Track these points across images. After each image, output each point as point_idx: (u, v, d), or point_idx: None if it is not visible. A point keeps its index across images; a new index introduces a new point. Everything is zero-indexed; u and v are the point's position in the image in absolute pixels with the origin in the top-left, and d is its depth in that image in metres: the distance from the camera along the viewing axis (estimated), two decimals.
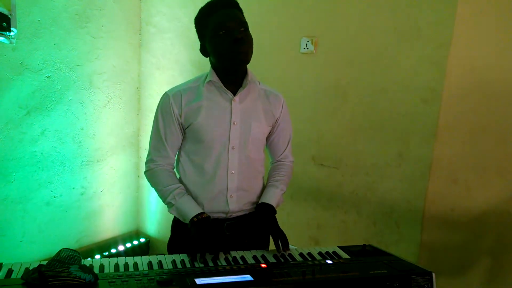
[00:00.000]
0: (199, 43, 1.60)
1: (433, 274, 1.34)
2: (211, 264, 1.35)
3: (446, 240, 2.15)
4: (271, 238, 1.61)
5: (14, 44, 2.58)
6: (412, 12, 2.12)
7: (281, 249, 1.50)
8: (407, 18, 2.13)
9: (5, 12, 2.49)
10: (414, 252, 2.20)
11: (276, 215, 1.65)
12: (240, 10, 1.55)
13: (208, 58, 1.60)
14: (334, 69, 2.40)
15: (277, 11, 2.54)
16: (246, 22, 1.52)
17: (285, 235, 1.54)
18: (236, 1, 1.55)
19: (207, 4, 1.53)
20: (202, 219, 1.50)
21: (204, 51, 1.58)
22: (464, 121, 2.05)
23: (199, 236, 1.44)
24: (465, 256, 2.11)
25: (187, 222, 1.53)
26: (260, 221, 1.58)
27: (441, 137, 2.10)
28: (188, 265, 1.34)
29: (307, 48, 2.45)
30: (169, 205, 1.59)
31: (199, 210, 1.53)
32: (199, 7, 1.56)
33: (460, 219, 2.10)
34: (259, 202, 1.65)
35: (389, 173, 2.26)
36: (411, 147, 2.18)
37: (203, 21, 1.53)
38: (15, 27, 2.55)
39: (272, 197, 1.65)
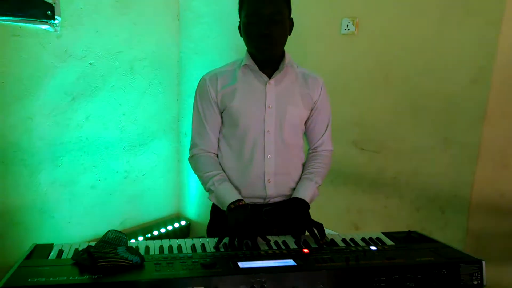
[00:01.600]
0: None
1: (483, 262, 1.29)
2: (249, 245, 1.35)
3: (495, 227, 2.06)
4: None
5: (58, 32, 2.65)
6: None
7: (319, 238, 1.44)
8: None
9: (49, 0, 2.56)
10: (460, 240, 2.13)
11: (315, 201, 1.63)
12: (287, 2, 1.50)
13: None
14: (376, 51, 2.32)
15: None
16: (285, 11, 1.48)
17: (321, 225, 1.47)
18: None
19: None
20: (239, 206, 1.49)
21: (239, 29, 1.57)
22: None
23: (236, 223, 1.42)
24: None
25: (225, 209, 1.52)
26: (292, 218, 1.52)
27: (490, 120, 1.99)
28: (230, 249, 1.34)
29: (348, 29, 2.38)
30: (209, 191, 1.60)
31: (238, 197, 1.52)
32: None
33: (509, 206, 2.01)
34: (292, 196, 1.60)
35: (434, 158, 2.18)
36: (458, 131, 2.09)
37: (241, 0, 1.53)
38: (59, 15, 2.62)
39: (305, 191, 1.60)
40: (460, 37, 2.03)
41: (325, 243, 1.42)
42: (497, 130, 1.99)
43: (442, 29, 2.08)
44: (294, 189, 1.66)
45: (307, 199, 1.58)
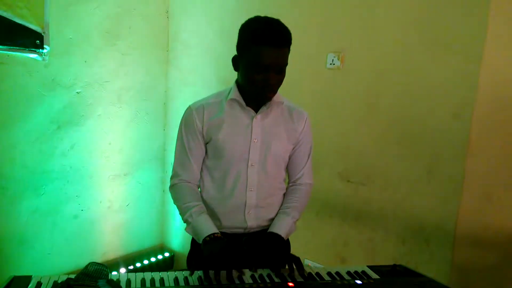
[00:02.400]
0: (234, 53, 1.54)
1: None
2: (237, 281, 1.33)
3: (479, 260, 2.07)
4: None
5: (46, 61, 2.66)
6: (441, 24, 2.08)
7: (296, 272, 1.42)
8: (436, 31, 2.09)
9: (39, 30, 2.58)
10: (445, 273, 2.12)
11: (301, 233, 1.62)
12: (289, 46, 1.49)
13: (235, 72, 1.59)
14: (361, 84, 2.38)
15: (303, 26, 2.54)
16: (287, 61, 1.49)
17: (298, 258, 1.46)
18: (291, 39, 1.48)
19: (264, 26, 1.44)
20: (214, 238, 1.47)
21: (235, 64, 1.54)
22: (497, 136, 1.98)
23: (210, 255, 1.40)
24: (499, 278, 2.03)
25: (200, 242, 1.50)
26: (268, 252, 1.51)
27: (473, 153, 2.03)
28: (214, 282, 1.32)
29: (334, 64, 2.44)
30: (186, 222, 1.58)
31: (214, 230, 1.50)
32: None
33: (494, 239, 2.02)
34: (268, 231, 1.59)
35: (419, 190, 2.20)
36: (442, 163, 2.12)
37: (249, 41, 1.45)
38: (48, 45, 2.64)
39: (281, 226, 1.59)
40: (442, 72, 2.09)
41: (303, 276, 1.41)
42: (480, 163, 2.02)
43: (425, 65, 2.14)
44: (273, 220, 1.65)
45: (282, 234, 1.57)
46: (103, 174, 3.11)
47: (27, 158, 2.69)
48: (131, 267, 3.23)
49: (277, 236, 1.56)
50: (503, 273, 2.02)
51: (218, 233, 1.50)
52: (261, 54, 1.42)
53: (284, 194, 1.72)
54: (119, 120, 3.14)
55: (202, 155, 1.63)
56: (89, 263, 1.27)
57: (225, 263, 1.36)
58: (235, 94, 1.56)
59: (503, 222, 1.99)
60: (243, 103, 1.56)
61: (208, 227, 1.51)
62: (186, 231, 1.59)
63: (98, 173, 3.08)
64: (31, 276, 1.28)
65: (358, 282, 1.36)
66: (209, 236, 1.48)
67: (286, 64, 1.48)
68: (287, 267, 1.45)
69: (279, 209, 1.67)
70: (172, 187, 1.66)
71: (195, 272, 1.38)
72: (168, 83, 3.43)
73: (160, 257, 3.44)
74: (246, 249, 1.61)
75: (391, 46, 2.26)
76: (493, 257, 2.04)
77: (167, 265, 3.47)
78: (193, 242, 1.70)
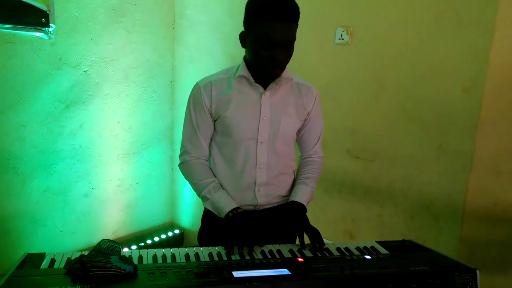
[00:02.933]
0: (241, 30, 1.52)
1: (477, 271, 1.29)
2: (247, 257, 1.35)
3: (488, 235, 2.07)
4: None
5: (53, 40, 2.64)
6: None
7: (316, 245, 1.47)
8: (447, 4, 2.05)
9: (44, 8, 2.55)
10: (453, 248, 2.13)
11: (310, 209, 1.63)
12: (297, 21, 1.46)
13: (243, 48, 1.57)
14: (371, 60, 2.34)
15: (311, 0, 2.49)
16: (295, 37, 1.46)
17: (318, 231, 1.52)
18: (299, 13, 1.44)
19: (271, 1, 1.39)
20: (237, 214, 1.50)
21: (243, 40, 1.52)
22: (508, 112, 1.95)
23: (235, 231, 1.43)
24: (508, 253, 2.03)
25: (222, 216, 1.53)
26: (291, 220, 1.56)
27: (483, 129, 2.01)
28: (224, 258, 1.34)
29: (342, 39, 2.40)
30: (204, 199, 1.60)
31: (235, 205, 1.53)
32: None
33: (503, 214, 2.02)
34: (289, 200, 1.62)
35: (428, 166, 2.19)
36: (451, 139, 2.10)
37: (256, 16, 1.42)
38: (54, 23, 2.62)
39: (302, 195, 1.62)
40: (453, 47, 2.05)
41: (319, 250, 1.43)
42: (489, 138, 2.00)
43: (436, 39, 2.10)
44: (284, 197, 1.68)
45: (304, 202, 1.60)
46: (112, 153, 3.13)
47: (37, 138, 2.70)
48: (141, 244, 3.28)
49: (299, 204, 1.59)
50: (511, 248, 2.03)
51: (239, 208, 1.53)
52: (267, 29, 1.39)
53: (294, 172, 1.74)
54: (127, 98, 3.13)
55: (211, 132, 1.63)
56: (101, 240, 1.28)
57: (251, 237, 1.40)
58: (244, 70, 1.54)
59: None
60: (252, 80, 1.54)
61: (229, 203, 1.54)
62: (205, 206, 1.61)
63: (107, 152, 3.10)
64: (44, 253, 1.31)
65: (368, 257, 1.36)
66: (231, 211, 1.50)
67: (294, 39, 1.45)
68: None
69: (297, 180, 1.69)
70: (182, 164, 1.66)
71: (206, 248, 1.40)
72: (175, 61, 3.40)
73: (170, 234, 3.49)
74: (256, 226, 1.63)
75: (401, 21, 2.21)
76: (501, 232, 2.04)
77: (177, 242, 3.52)
78: (204, 219, 1.72)
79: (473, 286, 1.28)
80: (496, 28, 1.91)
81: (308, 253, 1.42)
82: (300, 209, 1.58)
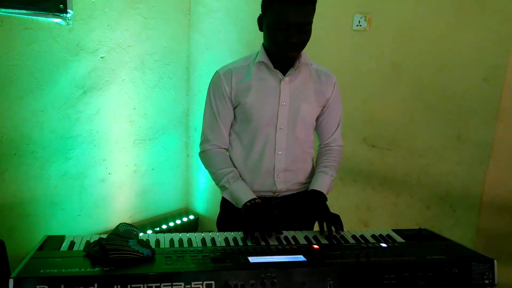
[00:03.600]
0: (259, 13, 1.52)
1: (495, 261, 1.28)
2: (263, 243, 1.35)
3: (505, 226, 2.05)
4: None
5: (70, 26, 2.66)
6: None
7: (333, 228, 1.47)
8: None
9: None
10: (470, 238, 2.11)
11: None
12: (315, 4, 1.45)
13: (260, 34, 1.56)
14: (389, 47, 2.31)
15: None
16: (312, 21, 1.45)
17: (338, 216, 1.52)
18: None
19: None
20: (255, 204, 1.51)
21: (260, 23, 1.52)
22: None
23: (252, 221, 1.44)
24: None
25: (240, 206, 1.54)
26: (311, 209, 1.56)
27: (503, 119, 1.97)
28: (240, 243, 1.35)
29: (360, 25, 2.36)
30: (222, 188, 1.61)
31: (253, 195, 1.54)
32: None
33: None
34: (309, 189, 1.62)
35: (446, 156, 2.16)
36: (470, 129, 2.07)
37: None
38: (71, 9, 2.63)
39: (322, 184, 1.62)
40: (474, 35, 2.00)
41: (335, 238, 1.44)
42: (509, 129, 1.97)
43: (456, 27, 2.06)
44: (303, 184, 1.68)
45: (324, 191, 1.60)
46: (129, 139, 3.16)
47: (55, 123, 2.74)
48: (157, 229, 3.32)
49: (319, 193, 1.59)
50: None
51: (257, 198, 1.54)
52: (281, 11, 1.39)
53: (313, 159, 1.73)
54: (143, 85, 3.15)
55: (231, 120, 1.64)
56: (119, 224, 1.30)
57: (266, 227, 1.40)
58: (263, 56, 1.54)
59: None
60: (271, 65, 1.53)
61: (247, 193, 1.55)
62: (223, 196, 1.63)
63: (124, 137, 3.13)
64: (64, 236, 1.33)
65: (383, 245, 1.36)
66: (249, 201, 1.51)
67: (310, 23, 1.45)
68: (325, 227, 1.48)
69: (316, 169, 1.69)
70: (202, 153, 1.67)
71: (222, 233, 1.42)
72: (191, 47, 3.40)
73: (185, 219, 3.53)
74: (276, 213, 1.63)
75: (421, 7, 2.17)
76: None
77: (192, 227, 3.56)
78: (223, 205, 1.73)
79: (490, 276, 1.27)
80: None
81: (323, 240, 1.42)
82: (320, 197, 1.58)
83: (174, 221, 3.46)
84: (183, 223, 3.50)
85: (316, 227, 1.59)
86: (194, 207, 3.66)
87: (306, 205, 1.58)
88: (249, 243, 1.35)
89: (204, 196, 3.56)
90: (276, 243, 1.37)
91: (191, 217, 3.57)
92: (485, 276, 1.27)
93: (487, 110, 2.00)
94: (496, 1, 1.92)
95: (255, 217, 1.45)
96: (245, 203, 1.51)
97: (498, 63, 1.95)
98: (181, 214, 3.60)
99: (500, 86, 1.96)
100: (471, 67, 2.03)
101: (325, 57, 2.50)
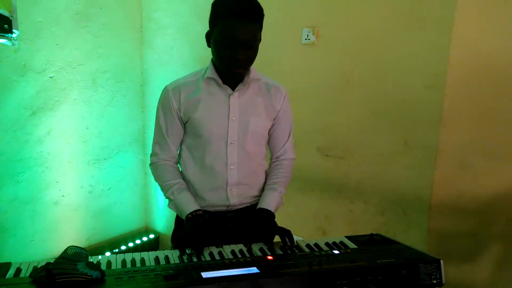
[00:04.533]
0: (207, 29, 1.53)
1: (441, 261, 1.33)
2: (214, 254, 1.35)
3: (455, 227, 2.14)
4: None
5: (16, 46, 2.58)
6: None
7: (287, 242, 1.47)
8: (408, 4, 2.10)
9: (6, 14, 2.49)
10: (423, 240, 2.19)
11: (283, 208, 1.65)
12: (261, 22, 1.48)
13: (209, 49, 1.58)
14: (337, 59, 2.38)
15: (277, 1, 2.52)
16: (258, 38, 1.48)
17: (289, 231, 1.51)
18: (263, 15, 1.47)
19: (235, 1, 1.42)
20: (196, 216, 1.52)
21: (208, 39, 1.53)
22: (470, 106, 2.02)
23: (191, 232, 1.44)
24: (474, 243, 2.10)
25: (184, 217, 1.54)
26: (259, 227, 1.55)
27: (446, 123, 2.07)
28: (195, 259, 1.34)
29: (309, 39, 2.43)
30: (169, 199, 1.61)
31: (196, 207, 1.54)
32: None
33: (468, 206, 2.08)
34: (257, 207, 1.62)
35: (396, 161, 2.24)
36: (417, 134, 2.16)
37: (218, 15, 1.44)
38: (17, 29, 2.55)
39: (270, 202, 1.62)
40: (414, 45, 2.11)
41: (291, 248, 1.45)
42: (453, 132, 2.07)
43: (398, 37, 2.16)
44: (257, 197, 1.68)
45: (272, 209, 1.60)
46: (83, 159, 3.08)
47: (3, 146, 2.63)
48: (116, 251, 3.24)
49: (267, 211, 1.59)
50: (477, 238, 2.09)
51: (200, 210, 1.54)
52: (229, 28, 1.40)
53: (266, 171, 1.74)
54: (95, 104, 3.09)
55: (180, 135, 1.64)
56: (68, 247, 1.27)
57: (205, 239, 1.40)
58: (211, 72, 1.55)
59: (477, 189, 2.05)
60: (220, 81, 1.55)
61: (190, 204, 1.55)
62: (169, 207, 1.62)
63: (77, 158, 3.04)
64: (10, 262, 1.28)
65: (336, 252, 1.39)
66: (191, 213, 1.52)
67: (256, 40, 1.47)
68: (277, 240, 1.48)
69: (266, 185, 1.69)
70: (151, 165, 1.68)
71: (177, 250, 1.40)
72: (144, 64, 3.38)
73: (145, 239, 3.46)
74: (230, 226, 1.63)
75: (365, 21, 2.26)
76: (468, 223, 2.11)
77: (152, 246, 3.49)
78: (177, 221, 1.72)
79: (438, 276, 1.32)
80: (454, 26, 1.97)
81: (278, 251, 1.44)
82: (268, 215, 1.58)
83: (133, 241, 3.38)
84: (143, 243, 3.43)
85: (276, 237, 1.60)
86: (154, 226, 3.60)
87: (254, 223, 1.57)
88: (203, 257, 1.35)
89: (164, 214, 3.50)
90: (230, 256, 1.37)
91: (151, 236, 3.51)
92: (433, 276, 1.32)
93: (431, 115, 2.10)
94: (433, 14, 2.03)
95: (195, 229, 1.46)
96: (187, 214, 1.52)
97: (438, 71, 2.05)
98: (141, 233, 3.52)
99: (441, 93, 2.05)
100: (413, 75, 2.12)
101: (276, 70, 2.54)
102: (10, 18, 2.51)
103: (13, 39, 2.55)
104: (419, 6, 2.07)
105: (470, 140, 2.04)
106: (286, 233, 1.49)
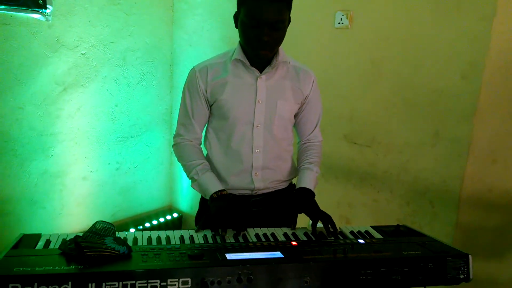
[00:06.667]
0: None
1: (470, 256, 1.30)
2: (233, 240, 1.35)
3: (483, 221, 2.09)
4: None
5: (50, 21, 2.62)
6: None
7: (330, 228, 1.47)
8: None
9: None
10: (449, 234, 2.14)
11: None
12: (289, 4, 1.45)
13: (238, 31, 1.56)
14: (369, 45, 2.32)
15: None
16: (286, 19, 1.44)
17: (330, 216, 1.51)
18: None
19: None
20: (221, 196, 1.51)
21: (236, 21, 1.52)
22: (506, 99, 1.95)
23: (217, 211, 1.45)
24: (502, 239, 2.05)
25: (208, 198, 1.54)
26: (302, 207, 1.55)
27: (480, 115, 2.01)
28: (219, 241, 1.35)
29: (342, 23, 2.38)
30: (192, 179, 1.61)
31: (220, 187, 1.54)
32: None
33: (498, 200, 2.03)
34: (297, 186, 1.62)
35: (424, 152, 2.19)
36: (448, 126, 2.10)
37: None
38: (51, 4, 2.59)
39: (309, 181, 1.62)
40: (452, 33, 2.03)
41: (335, 234, 1.44)
42: (487, 125, 2.00)
43: (434, 25, 2.08)
44: (282, 181, 1.68)
45: (311, 187, 1.61)
46: (111, 136, 3.13)
47: (35, 120, 2.70)
48: (140, 228, 3.30)
49: (308, 190, 1.59)
50: (506, 234, 2.04)
51: (224, 190, 1.53)
52: (253, 8, 1.39)
53: (292, 157, 1.73)
54: (125, 82, 3.12)
55: (205, 117, 1.63)
56: (96, 222, 1.29)
57: (232, 219, 1.40)
58: (239, 54, 1.53)
59: (508, 184, 1.99)
60: (247, 63, 1.53)
61: (214, 185, 1.54)
62: (192, 187, 1.62)
63: (106, 135, 3.10)
64: (40, 234, 1.31)
65: (361, 241, 1.37)
66: (216, 193, 1.51)
67: (283, 21, 1.44)
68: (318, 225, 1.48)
69: (301, 165, 1.68)
70: (175, 145, 1.68)
71: (202, 230, 1.41)
72: (174, 44, 3.38)
73: (168, 217, 3.51)
74: (254, 211, 1.63)
75: (401, 5, 2.19)
76: (496, 218, 2.06)
77: (175, 225, 3.54)
78: (201, 201, 1.73)
79: (465, 271, 1.30)
80: (496, 14, 1.89)
81: (302, 237, 1.43)
82: (309, 195, 1.58)
83: (157, 219, 3.44)
84: (166, 221, 3.48)
85: (299, 223, 1.60)
86: (178, 205, 3.65)
87: (295, 203, 1.57)
88: (227, 238, 1.35)
89: (188, 193, 3.55)
90: (254, 239, 1.37)
91: (175, 215, 3.56)
92: (460, 271, 1.29)
93: (464, 107, 2.03)
94: (472, 1, 1.95)
95: (220, 208, 1.46)
96: (212, 194, 1.51)
97: (475, 61, 1.97)
98: (164, 212, 3.58)
99: (478, 84, 1.98)
100: (449, 64, 2.06)
101: (306, 54, 2.51)
102: None
103: (47, 15, 2.59)
104: None
105: (504, 133, 1.97)
106: (328, 219, 1.48)
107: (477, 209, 2.08)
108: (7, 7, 2.42)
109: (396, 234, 1.51)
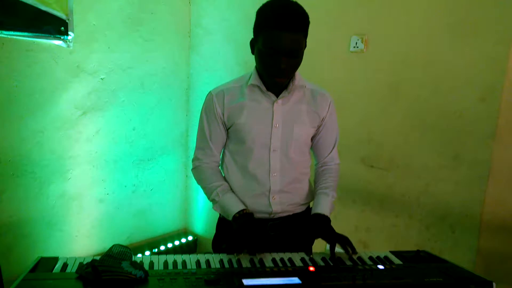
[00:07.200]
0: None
1: (494, 284, 1.26)
2: (258, 265, 1.34)
3: (505, 247, 2.02)
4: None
5: (71, 48, 2.69)
6: (469, 7, 2.01)
7: (351, 253, 1.46)
8: (463, 13, 2.03)
9: (63, 17, 2.61)
10: (470, 260, 2.09)
11: None
12: (306, 32, 1.45)
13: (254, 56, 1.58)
14: (385, 68, 2.32)
15: (326, 8, 2.49)
16: (303, 47, 1.45)
17: (347, 238, 1.50)
18: (307, 23, 1.45)
19: (277, 11, 1.40)
20: (244, 215, 1.51)
21: (252, 47, 1.53)
22: None
23: (240, 231, 1.44)
24: None
25: (230, 219, 1.53)
26: (318, 233, 1.54)
27: (501, 138, 1.97)
28: (235, 265, 1.33)
29: (357, 47, 2.39)
30: (213, 201, 1.61)
31: (242, 207, 1.54)
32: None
33: None
34: (312, 212, 1.60)
35: (444, 176, 2.16)
36: (468, 149, 2.07)
37: (261, 24, 1.43)
38: (72, 31, 2.67)
39: (325, 206, 1.60)
40: (470, 56, 2.02)
41: (332, 259, 1.42)
42: (507, 148, 1.97)
43: (452, 48, 2.08)
44: (300, 205, 1.67)
45: (327, 213, 1.59)
46: (128, 159, 3.16)
47: (54, 144, 2.75)
48: (155, 250, 3.29)
49: (323, 217, 1.57)
50: None
51: (246, 209, 1.54)
52: (271, 38, 1.39)
53: (310, 180, 1.73)
54: (142, 106, 3.17)
55: (223, 140, 1.64)
56: (113, 245, 1.29)
57: (254, 237, 1.40)
58: (255, 79, 1.54)
59: None
60: (264, 88, 1.54)
61: (236, 205, 1.55)
62: (214, 209, 1.62)
63: (123, 158, 3.13)
64: (57, 257, 1.32)
65: (380, 267, 1.34)
66: (238, 212, 1.52)
67: (300, 49, 1.44)
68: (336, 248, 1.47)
69: (317, 190, 1.67)
70: (194, 169, 1.69)
71: (217, 255, 1.40)
72: (190, 69, 3.44)
73: (183, 240, 3.50)
74: (272, 235, 1.62)
75: (417, 29, 2.19)
76: None
77: (190, 248, 3.52)
78: (218, 226, 1.72)
79: None
80: None
81: (319, 262, 1.41)
82: (325, 221, 1.57)
83: (172, 242, 3.43)
84: (181, 244, 3.47)
85: (315, 248, 1.58)
86: (193, 228, 3.64)
87: (312, 229, 1.56)
88: (243, 263, 1.34)
89: (203, 216, 3.54)
90: (271, 264, 1.35)
91: (190, 238, 3.55)
92: None
93: (484, 129, 2.01)
94: (489, 24, 1.95)
95: (243, 228, 1.45)
96: (234, 214, 1.51)
97: (494, 83, 1.96)
98: (179, 235, 3.57)
99: (496, 106, 1.96)
100: (467, 87, 2.04)
101: (323, 77, 2.51)
102: (67, 21, 2.63)
103: (68, 41, 2.67)
104: (475, 15, 1.99)
105: None
106: (346, 241, 1.48)
107: (499, 234, 2.03)
108: (31, 34, 2.50)
109: (416, 260, 1.47)
